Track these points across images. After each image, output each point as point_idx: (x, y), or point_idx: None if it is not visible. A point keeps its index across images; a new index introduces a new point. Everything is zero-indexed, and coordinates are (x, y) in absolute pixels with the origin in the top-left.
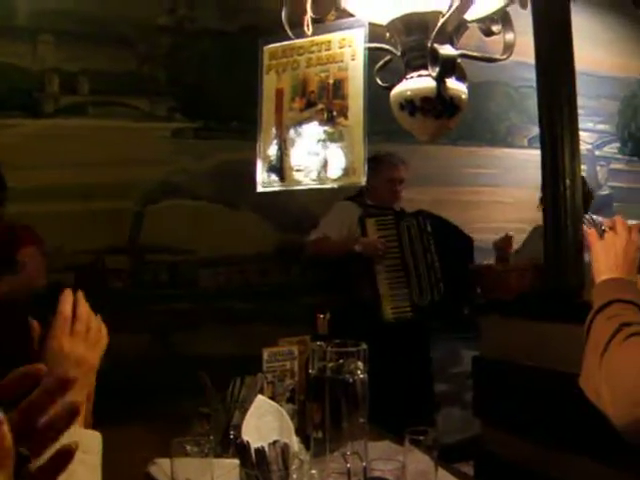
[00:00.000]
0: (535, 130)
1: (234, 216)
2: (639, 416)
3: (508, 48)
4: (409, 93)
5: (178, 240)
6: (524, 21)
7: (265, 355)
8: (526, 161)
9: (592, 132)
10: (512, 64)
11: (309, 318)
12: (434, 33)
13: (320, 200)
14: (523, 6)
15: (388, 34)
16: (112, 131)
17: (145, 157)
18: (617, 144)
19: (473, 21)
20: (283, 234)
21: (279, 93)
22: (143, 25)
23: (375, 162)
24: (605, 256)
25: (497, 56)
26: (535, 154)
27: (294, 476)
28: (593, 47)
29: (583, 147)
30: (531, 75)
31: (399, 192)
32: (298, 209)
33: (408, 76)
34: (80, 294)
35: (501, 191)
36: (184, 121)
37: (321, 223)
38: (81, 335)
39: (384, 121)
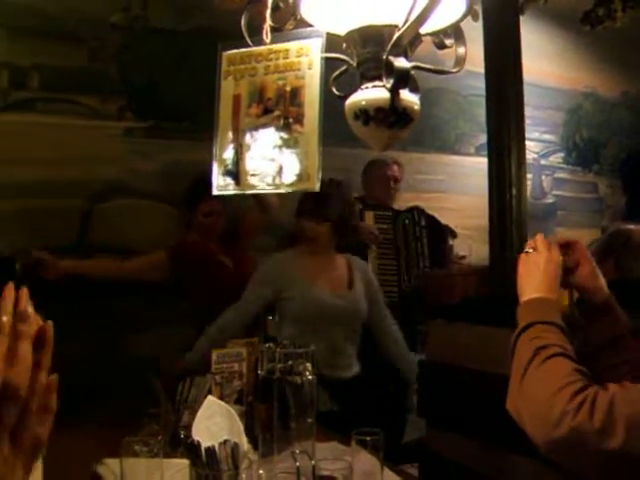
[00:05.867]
0: (482, 138)
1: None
2: (555, 437)
3: (460, 62)
4: (363, 103)
5: (126, 239)
6: (473, 31)
7: (214, 357)
8: (472, 169)
9: (538, 142)
10: (462, 73)
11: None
12: (389, 46)
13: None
14: (475, 18)
15: (345, 45)
16: (62, 128)
17: (95, 155)
18: (562, 154)
19: (427, 34)
20: None
21: (237, 99)
22: (96, 22)
23: (368, 165)
24: (527, 275)
25: (449, 69)
26: (481, 162)
27: (243, 475)
28: (540, 59)
29: (529, 156)
30: (479, 84)
31: (393, 190)
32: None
33: (363, 86)
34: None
35: (447, 197)
36: (135, 120)
37: None
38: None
39: (336, 126)
